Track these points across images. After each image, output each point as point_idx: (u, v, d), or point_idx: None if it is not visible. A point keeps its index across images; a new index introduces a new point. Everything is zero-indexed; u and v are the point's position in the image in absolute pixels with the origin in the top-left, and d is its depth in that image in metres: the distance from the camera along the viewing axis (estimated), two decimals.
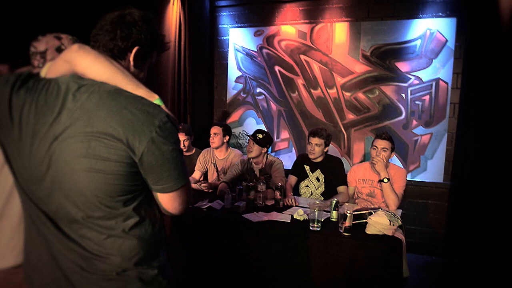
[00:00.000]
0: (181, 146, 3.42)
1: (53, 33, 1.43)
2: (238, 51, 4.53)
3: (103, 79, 1.03)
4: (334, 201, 2.52)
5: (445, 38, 3.73)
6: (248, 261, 2.42)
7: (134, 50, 1.14)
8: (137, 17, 1.14)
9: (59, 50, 1.40)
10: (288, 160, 4.19)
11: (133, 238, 1.05)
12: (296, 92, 4.30)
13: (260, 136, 3.16)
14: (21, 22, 2.56)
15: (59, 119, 0.98)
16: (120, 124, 0.96)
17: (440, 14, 3.75)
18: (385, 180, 2.74)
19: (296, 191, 3.28)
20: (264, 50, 4.41)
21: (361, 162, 4.01)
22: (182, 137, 3.50)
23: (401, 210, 2.81)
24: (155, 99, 1.06)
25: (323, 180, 3.11)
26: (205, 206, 2.74)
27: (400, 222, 2.33)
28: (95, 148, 0.96)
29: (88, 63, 1.04)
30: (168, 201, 1.10)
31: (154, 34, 1.18)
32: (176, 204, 1.11)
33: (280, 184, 2.83)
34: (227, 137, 3.50)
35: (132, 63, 1.15)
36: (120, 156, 0.97)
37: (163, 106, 1.07)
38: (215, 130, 3.44)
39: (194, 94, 4.33)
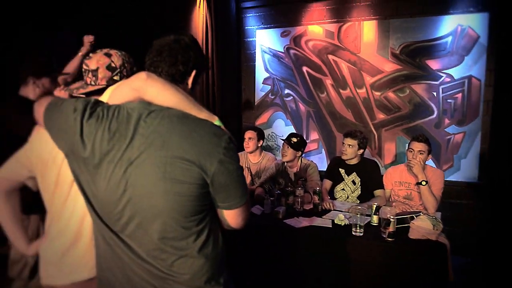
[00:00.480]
0: None
1: (103, 50, 1.49)
2: (265, 52, 4.55)
3: (170, 106, 1.09)
4: (375, 206, 2.54)
5: (477, 34, 3.68)
6: (290, 267, 2.47)
7: (192, 74, 1.20)
8: (190, 41, 1.20)
9: (109, 68, 1.46)
10: (318, 161, 4.20)
11: (202, 257, 1.10)
12: (325, 93, 4.31)
13: (295, 140, 3.19)
14: (18, 22, 2.61)
15: (133, 144, 1.03)
16: (192, 147, 1.01)
17: (472, 9, 3.69)
18: (423, 183, 2.74)
19: (331, 194, 3.30)
20: (291, 51, 4.42)
21: (392, 162, 4.01)
22: (250, 134, 3.56)
23: (440, 213, 2.81)
24: (216, 121, 1.12)
25: (359, 183, 3.12)
26: None
27: (441, 226, 2.34)
28: (171, 171, 1.01)
29: (156, 92, 1.10)
30: (232, 217, 1.15)
31: (203, 55, 1.25)
32: (240, 220, 1.17)
33: (318, 188, 2.86)
34: (261, 142, 3.54)
35: (189, 85, 1.21)
36: (194, 178, 1.02)
37: (222, 126, 1.12)
38: (250, 134, 3.49)
39: (222, 96, 4.37)
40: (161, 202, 1.03)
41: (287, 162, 3.27)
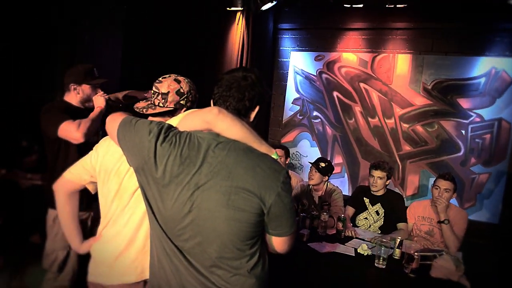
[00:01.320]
0: None
1: (172, 75, 1.61)
2: (298, 73, 4.66)
3: (236, 139, 1.20)
4: (399, 240, 2.58)
5: (511, 77, 3.72)
6: None
7: (256, 109, 1.31)
8: (256, 78, 1.30)
9: (178, 93, 1.58)
10: (340, 185, 4.25)
11: (253, 277, 1.20)
12: (353, 119, 4.39)
13: (323, 164, 3.27)
14: (21, 22, 2.72)
15: (201, 171, 1.14)
16: (255, 180, 1.13)
17: (507, 53, 3.75)
18: (446, 222, 2.78)
19: (352, 222, 3.35)
20: (324, 75, 4.52)
21: (414, 194, 4.05)
22: (279, 152, 3.66)
23: (461, 253, 2.84)
24: (273, 154, 1.23)
25: (383, 215, 3.17)
26: None
27: (463, 267, 2.38)
28: (234, 200, 1.12)
29: (226, 126, 1.21)
30: (280, 243, 1.26)
31: (267, 91, 1.35)
32: (286, 246, 1.28)
33: (342, 215, 2.92)
34: (288, 159, 3.64)
35: (252, 119, 1.32)
36: (254, 208, 1.13)
37: (278, 159, 1.23)
38: (279, 152, 3.58)
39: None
40: (222, 226, 1.14)
41: (313, 185, 3.34)
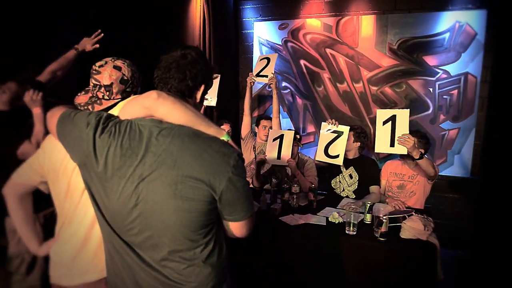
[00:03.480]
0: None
1: (108, 62, 1.50)
2: (263, 44, 4.55)
3: (180, 123, 1.13)
4: (368, 204, 2.59)
5: (475, 31, 3.69)
6: (284, 264, 2.53)
7: (201, 89, 1.23)
8: (196, 55, 1.22)
9: (122, 81, 1.48)
10: (313, 154, 4.25)
11: (209, 266, 1.16)
12: (322, 86, 4.33)
13: (297, 136, 3.23)
14: (20, 22, 2.56)
15: (144, 161, 1.07)
16: (202, 167, 1.06)
17: (470, 6, 3.70)
18: (421, 156, 2.78)
19: (328, 187, 3.36)
20: (289, 44, 4.42)
21: (386, 157, 4.06)
22: (227, 127, 3.61)
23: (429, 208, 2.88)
24: (223, 135, 1.16)
25: (357, 179, 3.18)
26: None
27: (432, 226, 2.41)
28: (181, 189, 1.06)
29: (167, 110, 1.13)
30: (238, 228, 1.21)
31: (210, 68, 1.27)
32: (244, 230, 1.23)
33: (313, 185, 2.91)
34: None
35: (198, 99, 1.24)
36: (203, 196, 1.07)
37: (230, 141, 1.16)
38: (266, 123, 3.55)
39: (220, 88, 4.37)
40: (171, 218, 1.08)
41: None
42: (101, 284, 1.49)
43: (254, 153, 3.50)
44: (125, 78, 1.49)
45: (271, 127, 3.56)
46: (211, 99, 3.47)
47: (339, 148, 3.05)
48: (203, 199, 1.07)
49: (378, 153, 4.16)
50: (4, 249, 2.38)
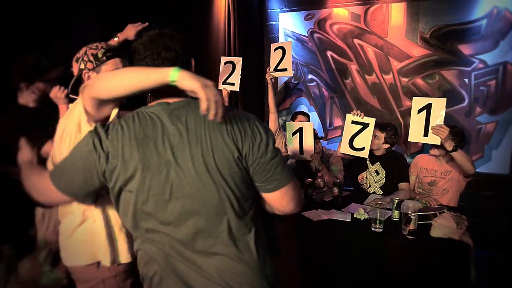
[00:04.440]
0: None
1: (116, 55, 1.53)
2: (289, 36, 4.44)
3: (125, 85, 1.05)
4: (396, 201, 2.46)
5: None
6: (304, 260, 2.45)
7: (193, 63, 1.16)
8: (172, 30, 1.15)
9: (76, 60, 1.56)
10: None
11: (248, 252, 1.10)
12: (350, 78, 4.18)
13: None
14: (22, 22, 2.55)
15: (165, 146, 1.00)
16: (228, 136, 1.01)
17: None
18: (455, 148, 2.61)
19: (355, 181, 3.23)
20: (316, 35, 4.29)
21: (418, 152, 3.87)
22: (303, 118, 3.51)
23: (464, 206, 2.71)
24: (172, 70, 0.99)
25: (384, 175, 3.04)
26: None
27: (466, 224, 2.25)
28: (213, 164, 1.00)
29: (105, 82, 1.11)
30: (280, 199, 1.12)
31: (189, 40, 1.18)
32: (289, 200, 1.13)
33: (338, 180, 2.79)
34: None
35: None
36: (236, 166, 1.02)
37: (181, 73, 0.99)
38: (302, 118, 3.42)
39: (245, 81, 4.31)
40: (210, 196, 1.02)
41: None
42: (92, 269, 1.48)
43: (286, 150, 3.41)
44: (78, 56, 1.53)
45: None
46: (234, 84, 3.39)
47: (364, 140, 2.92)
48: (237, 169, 1.03)
49: (408, 147, 3.98)
50: (35, 239, 2.42)
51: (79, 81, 1.51)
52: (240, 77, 3.52)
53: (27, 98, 2.15)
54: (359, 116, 2.92)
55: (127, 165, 1.00)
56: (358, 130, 2.92)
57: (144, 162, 1.00)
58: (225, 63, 3.63)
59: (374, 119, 2.90)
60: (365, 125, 2.91)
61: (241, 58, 3.55)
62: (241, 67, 3.44)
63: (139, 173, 1.00)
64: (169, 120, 1.02)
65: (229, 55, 4.22)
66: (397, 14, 3.86)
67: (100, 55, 1.50)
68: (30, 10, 2.58)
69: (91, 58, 1.50)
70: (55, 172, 1.09)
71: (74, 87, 1.47)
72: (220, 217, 1.04)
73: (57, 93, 2.14)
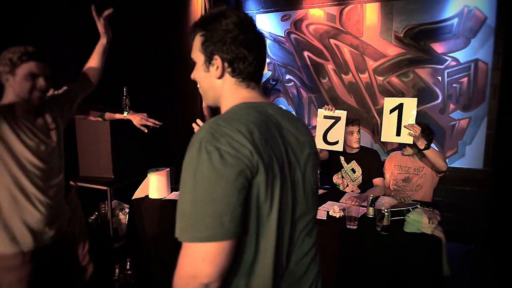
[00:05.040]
0: None
1: None
2: (265, 37, 4.44)
3: None
4: (371, 198, 2.48)
5: (485, 15, 3.52)
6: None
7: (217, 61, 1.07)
8: None
9: None
10: None
11: None
12: (327, 78, 4.21)
13: None
14: (20, 23, 2.51)
15: (286, 149, 0.94)
16: (306, 136, 1.03)
17: None
18: (427, 146, 2.65)
19: (330, 183, 3.25)
20: (292, 35, 4.31)
21: (395, 149, 3.92)
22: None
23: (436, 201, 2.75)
24: None
25: (360, 172, 3.06)
26: None
27: (438, 219, 2.28)
28: (313, 165, 1.02)
29: None
30: None
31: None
32: None
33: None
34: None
35: (217, 75, 1.07)
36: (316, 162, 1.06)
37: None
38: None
39: None
40: (312, 200, 1.02)
41: None
42: (16, 259, 1.59)
43: None
44: None
45: None
46: None
47: (338, 134, 2.94)
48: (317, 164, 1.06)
49: (385, 146, 4.03)
50: None
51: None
52: None
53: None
54: (330, 110, 2.94)
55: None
56: (331, 124, 2.94)
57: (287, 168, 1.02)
58: None
59: (346, 112, 2.93)
60: (337, 119, 2.93)
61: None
62: None
63: (278, 180, 0.97)
64: (277, 123, 1.04)
65: None
66: (372, 14, 3.91)
67: (15, 59, 1.56)
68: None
69: (7, 62, 1.56)
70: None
71: None
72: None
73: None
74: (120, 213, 3.02)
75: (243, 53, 0.94)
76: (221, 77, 0.98)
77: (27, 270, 1.64)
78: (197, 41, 0.99)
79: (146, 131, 2.52)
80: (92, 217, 2.91)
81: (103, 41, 2.06)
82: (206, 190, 0.76)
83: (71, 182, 2.42)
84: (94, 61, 2.08)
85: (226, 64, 0.96)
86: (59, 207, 1.80)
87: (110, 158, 2.79)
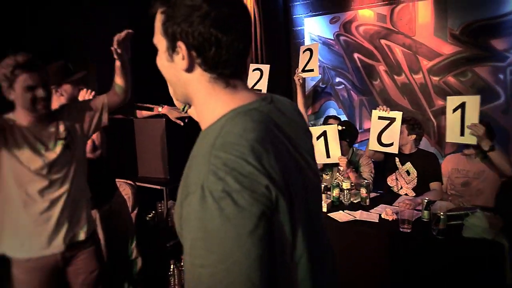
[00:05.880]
0: None
1: None
2: (315, 40, 4.44)
3: None
4: (426, 201, 2.39)
5: None
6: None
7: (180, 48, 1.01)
8: None
9: None
10: None
11: None
12: (378, 80, 4.11)
13: (339, 128, 3.06)
14: (21, 25, 2.61)
15: (295, 149, 0.85)
16: (296, 116, 0.93)
17: None
18: (492, 148, 2.51)
19: (384, 184, 3.16)
20: (342, 38, 4.27)
21: (453, 152, 3.73)
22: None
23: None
24: None
25: (415, 175, 2.95)
26: None
27: (501, 224, 2.15)
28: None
29: None
30: None
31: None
32: None
33: (365, 181, 2.75)
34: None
35: (184, 67, 0.97)
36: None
37: None
38: (334, 122, 3.44)
39: (272, 88, 4.34)
40: (318, 192, 0.96)
41: None
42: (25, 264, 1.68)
43: None
44: None
45: None
46: (261, 90, 3.43)
47: (392, 135, 2.87)
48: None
49: (443, 148, 3.85)
50: None
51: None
52: (267, 83, 3.57)
53: (55, 101, 2.16)
54: (385, 111, 2.88)
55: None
56: (386, 126, 2.88)
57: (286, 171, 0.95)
58: (253, 70, 3.69)
59: (401, 113, 2.86)
60: (392, 120, 2.87)
61: (269, 65, 3.60)
62: (268, 74, 3.49)
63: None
64: (277, 121, 0.99)
65: (257, 62, 4.28)
66: (424, 11, 3.78)
67: (8, 74, 1.58)
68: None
69: (3, 77, 1.60)
70: None
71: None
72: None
73: (85, 95, 2.25)
74: None
75: (216, 36, 0.71)
76: (189, 70, 0.76)
77: (40, 274, 1.72)
78: (158, 20, 0.77)
79: (182, 124, 2.50)
80: (150, 216, 3.05)
81: (117, 64, 1.92)
82: (224, 252, 0.59)
83: (129, 181, 2.57)
84: (117, 79, 1.99)
85: (194, 53, 0.74)
86: (70, 216, 1.79)
87: (166, 159, 2.93)
